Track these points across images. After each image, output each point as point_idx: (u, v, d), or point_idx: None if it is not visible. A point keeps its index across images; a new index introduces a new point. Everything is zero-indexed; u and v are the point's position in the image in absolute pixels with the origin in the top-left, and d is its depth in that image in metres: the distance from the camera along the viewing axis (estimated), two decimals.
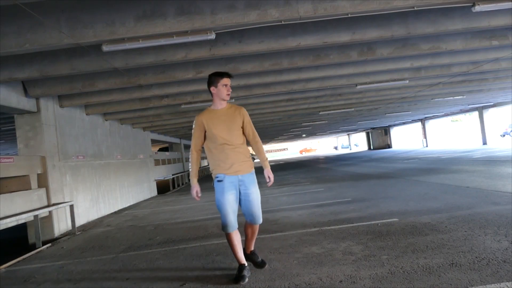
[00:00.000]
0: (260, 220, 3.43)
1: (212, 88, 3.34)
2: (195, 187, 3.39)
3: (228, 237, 3.34)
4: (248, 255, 3.66)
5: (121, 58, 5.75)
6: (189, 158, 3.49)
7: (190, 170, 3.43)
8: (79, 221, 8.30)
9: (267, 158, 3.54)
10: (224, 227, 3.30)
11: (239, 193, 3.34)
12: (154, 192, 15.34)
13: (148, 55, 5.71)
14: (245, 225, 3.51)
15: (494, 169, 10.12)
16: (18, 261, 5.37)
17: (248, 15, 4.47)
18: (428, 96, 14.72)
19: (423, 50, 7.07)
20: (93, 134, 9.96)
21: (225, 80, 3.31)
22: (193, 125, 3.39)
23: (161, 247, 5.20)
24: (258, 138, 3.50)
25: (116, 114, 10.89)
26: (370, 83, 9.73)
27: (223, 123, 3.31)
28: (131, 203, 12.32)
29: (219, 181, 3.28)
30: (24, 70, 5.79)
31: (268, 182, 3.44)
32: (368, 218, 5.47)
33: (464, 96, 15.38)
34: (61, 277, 4.28)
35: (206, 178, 24.35)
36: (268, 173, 3.45)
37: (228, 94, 3.33)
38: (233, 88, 3.89)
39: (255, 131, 3.48)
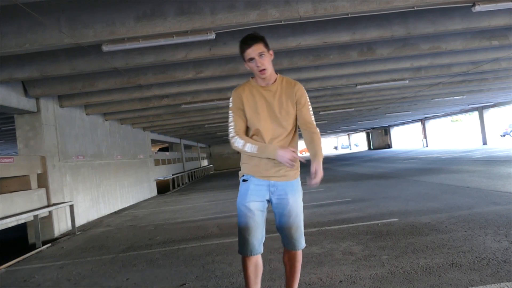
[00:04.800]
0: (300, 245, 2.36)
1: (245, 64, 2.28)
2: (284, 151, 2.17)
3: (243, 263, 2.31)
4: None
5: (121, 58, 5.75)
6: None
7: (251, 150, 2.23)
8: (79, 221, 8.30)
9: (321, 153, 2.28)
10: (239, 247, 2.30)
11: (270, 203, 2.36)
12: (154, 192, 15.34)
13: (148, 55, 5.71)
14: (283, 252, 2.46)
15: (494, 169, 10.12)
16: (18, 261, 5.37)
17: (248, 15, 4.47)
18: (428, 96, 14.73)
19: (423, 50, 7.07)
20: (93, 134, 9.96)
21: (248, 53, 2.18)
22: (230, 104, 2.33)
23: (161, 247, 5.20)
24: (315, 128, 2.34)
25: (116, 114, 10.89)
26: (370, 83, 9.73)
27: (269, 108, 2.27)
28: (131, 203, 12.32)
29: (244, 180, 2.34)
30: (24, 70, 5.79)
31: (313, 178, 2.15)
32: (368, 218, 5.47)
33: (464, 96, 15.39)
34: (61, 277, 4.28)
35: (207, 177, 24.38)
36: (317, 165, 2.15)
37: (262, 70, 2.19)
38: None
39: (312, 117, 2.35)
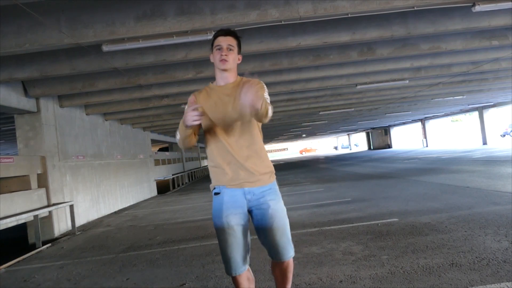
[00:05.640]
0: (288, 254, 2.14)
1: (210, 57, 2.17)
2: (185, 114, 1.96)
3: (234, 282, 2.15)
4: None
5: (121, 58, 5.76)
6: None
7: (177, 136, 2.13)
8: (79, 221, 8.30)
9: (266, 104, 1.95)
10: (225, 267, 2.13)
11: (249, 213, 2.14)
12: (154, 192, 15.34)
13: (148, 55, 5.72)
14: (271, 264, 2.26)
15: (494, 169, 10.12)
16: (18, 261, 5.38)
17: (248, 15, 4.47)
18: (428, 96, 14.73)
19: (423, 50, 7.08)
20: (93, 134, 9.96)
21: (219, 40, 2.09)
22: (185, 107, 2.07)
23: (161, 247, 5.20)
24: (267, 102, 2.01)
25: (116, 114, 10.90)
26: (370, 83, 9.73)
27: (224, 106, 2.09)
28: (131, 203, 12.32)
29: (216, 193, 2.14)
30: (24, 70, 5.80)
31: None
32: (368, 218, 5.47)
33: (464, 96, 15.39)
34: (61, 277, 4.29)
35: (207, 177, 24.38)
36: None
37: (223, 61, 2.07)
38: None
39: (266, 98, 2.05)
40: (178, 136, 2.11)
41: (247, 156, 2.08)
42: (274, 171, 2.20)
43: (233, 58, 2.11)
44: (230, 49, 2.09)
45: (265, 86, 2.15)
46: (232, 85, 2.13)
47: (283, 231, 2.11)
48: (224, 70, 2.11)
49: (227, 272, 2.11)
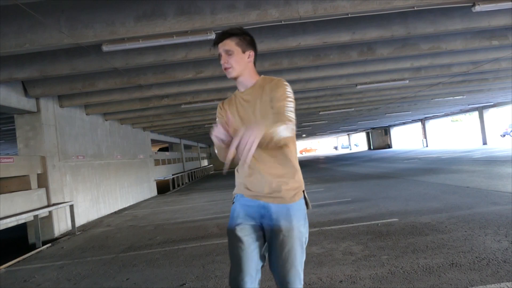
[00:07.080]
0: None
1: None
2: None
3: None
4: None
5: (121, 58, 5.76)
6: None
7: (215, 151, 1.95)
8: (79, 221, 8.30)
9: (270, 130, 1.58)
10: (229, 279, 1.86)
11: (262, 230, 1.87)
12: (154, 192, 15.34)
13: (148, 55, 5.72)
14: None
15: (494, 169, 10.12)
16: (18, 261, 5.38)
17: (248, 15, 4.47)
18: (428, 96, 14.73)
19: (423, 50, 7.08)
20: (93, 134, 9.96)
21: (218, 48, 1.90)
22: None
23: (161, 247, 5.20)
24: (287, 120, 1.73)
25: (116, 114, 10.90)
26: (370, 83, 9.73)
27: (244, 113, 1.90)
28: (131, 203, 12.33)
29: (233, 203, 1.96)
30: (24, 70, 5.80)
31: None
32: (368, 218, 5.47)
33: (464, 96, 15.39)
34: (61, 277, 4.29)
35: (206, 177, 24.38)
36: (246, 129, 1.47)
37: (225, 69, 1.88)
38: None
39: (288, 112, 1.76)
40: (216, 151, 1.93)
41: (271, 167, 1.81)
42: (303, 188, 1.87)
43: (237, 61, 1.86)
44: (229, 54, 1.86)
45: (289, 92, 1.86)
46: (252, 89, 1.91)
47: (291, 264, 1.79)
48: (233, 78, 1.92)
49: (229, 284, 1.84)
